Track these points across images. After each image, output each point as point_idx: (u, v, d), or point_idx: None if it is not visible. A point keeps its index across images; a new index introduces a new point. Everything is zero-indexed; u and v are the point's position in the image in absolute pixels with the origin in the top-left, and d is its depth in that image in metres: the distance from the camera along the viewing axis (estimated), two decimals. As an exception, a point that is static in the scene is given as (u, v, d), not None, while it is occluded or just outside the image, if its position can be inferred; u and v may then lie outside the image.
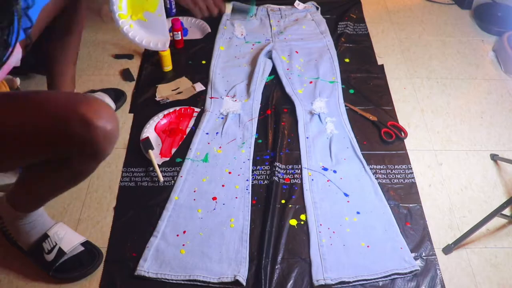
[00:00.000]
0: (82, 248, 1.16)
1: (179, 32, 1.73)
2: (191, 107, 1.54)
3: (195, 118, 1.51)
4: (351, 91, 1.66)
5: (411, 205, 1.33)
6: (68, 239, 1.14)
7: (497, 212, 1.19)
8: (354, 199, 1.33)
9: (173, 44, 1.75)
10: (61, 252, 1.13)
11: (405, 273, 1.17)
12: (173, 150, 1.42)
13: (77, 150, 0.86)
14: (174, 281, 1.15)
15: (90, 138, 0.83)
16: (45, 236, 1.12)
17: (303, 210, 1.30)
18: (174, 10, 1.91)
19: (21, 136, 0.85)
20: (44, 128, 0.83)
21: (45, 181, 1.00)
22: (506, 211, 1.23)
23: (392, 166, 1.42)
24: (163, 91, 1.60)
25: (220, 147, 1.44)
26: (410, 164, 1.43)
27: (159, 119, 1.47)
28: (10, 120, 0.84)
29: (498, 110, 1.63)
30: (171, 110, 1.51)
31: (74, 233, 1.18)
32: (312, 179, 1.37)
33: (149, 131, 1.44)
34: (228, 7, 1.22)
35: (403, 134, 1.51)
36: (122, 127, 1.50)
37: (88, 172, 0.99)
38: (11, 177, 1.22)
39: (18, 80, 1.41)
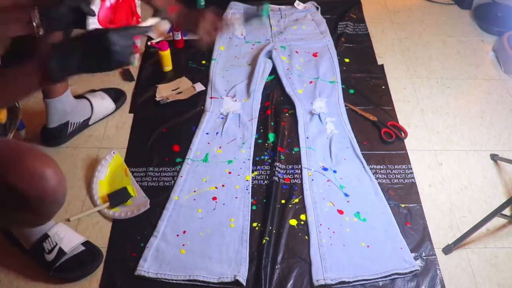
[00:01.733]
0: (83, 248, 1.16)
1: (179, 32, 1.73)
2: None
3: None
4: (351, 91, 1.66)
5: (411, 205, 1.33)
6: (68, 239, 1.15)
7: (497, 212, 1.19)
8: (354, 199, 1.33)
9: (173, 44, 1.75)
10: (61, 252, 1.13)
11: (405, 273, 1.17)
12: None
13: (18, 216, 0.81)
14: (174, 281, 1.15)
15: (24, 207, 0.77)
16: (46, 236, 1.12)
17: (303, 210, 1.30)
18: None
19: None
20: None
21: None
22: (506, 211, 1.23)
23: (392, 166, 1.42)
24: (163, 91, 1.60)
25: (220, 147, 1.44)
26: (410, 164, 1.43)
27: (98, 8, 1.22)
28: None
29: (498, 110, 1.64)
30: None
31: (74, 233, 1.18)
32: (312, 179, 1.37)
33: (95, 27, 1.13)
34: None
35: (403, 134, 1.51)
36: (122, 127, 1.50)
37: (41, 223, 0.94)
38: None
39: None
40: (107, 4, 1.23)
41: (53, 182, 0.78)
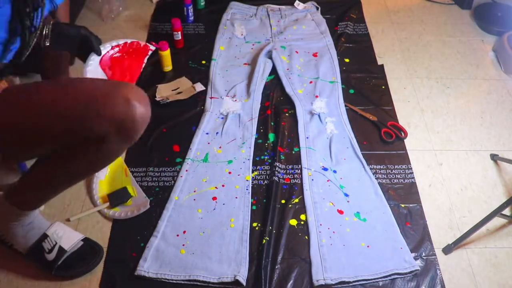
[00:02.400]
0: (82, 243, 1.17)
1: (179, 32, 1.73)
2: (146, 43, 1.37)
3: (148, 56, 1.36)
4: (351, 91, 1.66)
5: (411, 205, 1.33)
6: (67, 237, 1.15)
7: (497, 212, 1.19)
8: (354, 199, 1.32)
9: (173, 44, 1.74)
10: (62, 250, 1.13)
11: (405, 273, 1.17)
12: None
13: (115, 127, 0.89)
14: (174, 281, 1.15)
15: (131, 116, 0.89)
16: (45, 236, 1.12)
17: (303, 210, 1.30)
18: (191, 18, 1.90)
19: (68, 117, 0.88)
20: (89, 106, 0.87)
21: (66, 166, 1.00)
22: (506, 211, 1.23)
23: (392, 166, 1.42)
24: (163, 91, 1.60)
25: (220, 147, 1.44)
26: (410, 164, 1.43)
27: (106, 51, 1.26)
28: (61, 102, 0.89)
29: (498, 110, 1.64)
30: (121, 42, 1.32)
31: (73, 231, 1.18)
32: (312, 179, 1.37)
33: (94, 65, 1.21)
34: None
35: (403, 134, 1.51)
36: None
37: (115, 155, 1.02)
38: (12, 177, 1.22)
39: (17, 79, 1.41)
40: (112, 52, 1.29)
41: (149, 107, 0.93)
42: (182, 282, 1.15)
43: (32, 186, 1.05)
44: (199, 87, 1.63)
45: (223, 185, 1.34)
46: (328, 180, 1.37)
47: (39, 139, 0.91)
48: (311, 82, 1.66)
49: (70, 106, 0.89)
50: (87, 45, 1.16)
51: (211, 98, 1.59)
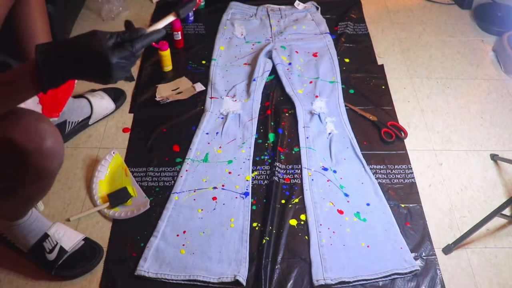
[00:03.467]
0: (83, 243, 1.17)
1: (179, 32, 1.73)
2: None
3: None
4: (351, 91, 1.66)
5: (411, 205, 1.33)
6: (68, 237, 1.15)
7: (497, 212, 1.19)
8: (354, 199, 1.33)
9: (173, 44, 1.75)
10: (62, 250, 1.13)
11: (405, 273, 1.17)
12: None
13: (17, 177, 0.82)
14: (174, 281, 1.15)
15: (25, 163, 0.78)
16: (45, 236, 1.12)
17: (303, 210, 1.30)
18: (191, 18, 1.90)
19: None
20: None
21: (6, 202, 0.98)
22: (506, 211, 1.23)
23: (392, 166, 1.42)
24: (163, 91, 1.60)
25: (220, 147, 1.44)
26: (410, 164, 1.43)
27: None
28: None
29: (498, 110, 1.64)
30: None
31: (73, 231, 1.18)
32: (312, 179, 1.37)
33: None
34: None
35: (403, 134, 1.51)
36: (122, 127, 1.50)
37: (45, 189, 0.95)
38: None
39: None
40: None
41: (49, 136, 0.80)
42: (182, 282, 1.15)
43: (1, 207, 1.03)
44: (199, 87, 1.63)
45: (223, 185, 1.34)
46: (328, 180, 1.37)
47: None
48: (311, 82, 1.66)
49: None
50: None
51: (211, 98, 1.59)
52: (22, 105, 0.80)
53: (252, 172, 1.38)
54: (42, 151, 0.79)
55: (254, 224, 1.26)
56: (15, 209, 1.06)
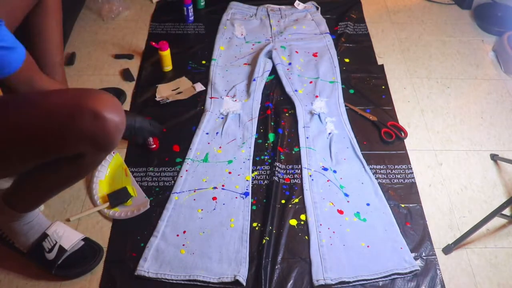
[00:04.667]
0: (83, 243, 1.17)
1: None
2: None
3: None
4: (351, 91, 1.66)
5: (411, 205, 1.33)
6: (67, 236, 1.15)
7: (497, 212, 1.19)
8: (354, 199, 1.33)
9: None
10: (62, 249, 1.13)
11: (405, 273, 1.17)
12: None
13: (89, 143, 0.88)
14: (174, 281, 1.15)
15: (101, 130, 0.86)
16: (45, 236, 1.12)
17: (303, 210, 1.30)
18: (191, 18, 1.90)
19: (35, 137, 0.86)
20: (56, 126, 0.85)
21: (51, 177, 1.00)
22: (506, 211, 1.23)
23: (392, 166, 1.42)
24: (163, 91, 1.60)
25: (220, 147, 1.44)
26: (410, 164, 1.43)
27: None
28: (24, 122, 0.86)
29: (498, 110, 1.64)
30: None
31: (73, 231, 1.18)
32: (312, 179, 1.37)
33: None
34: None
35: (403, 134, 1.51)
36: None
37: (96, 165, 1.02)
38: (8, 181, 1.22)
39: None
40: None
41: (121, 110, 0.89)
42: (182, 282, 1.15)
43: (23, 194, 1.06)
44: (199, 87, 1.63)
45: (223, 185, 1.34)
46: (328, 180, 1.37)
47: (8, 160, 0.90)
48: (311, 82, 1.66)
49: (36, 128, 0.85)
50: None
51: (211, 98, 1.59)
52: None
53: (252, 172, 1.38)
54: (115, 121, 0.87)
55: (254, 224, 1.26)
56: (47, 190, 1.06)
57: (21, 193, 1.06)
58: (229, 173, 1.38)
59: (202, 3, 1.98)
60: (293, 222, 1.27)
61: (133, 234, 1.23)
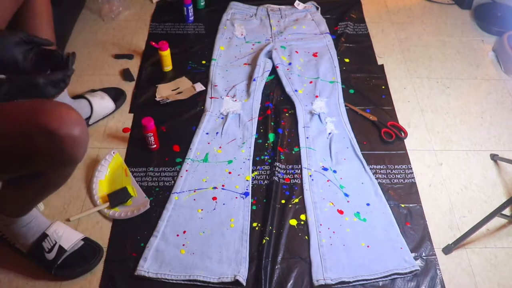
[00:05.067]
0: (82, 243, 1.17)
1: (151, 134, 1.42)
2: None
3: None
4: (351, 91, 1.66)
5: (411, 205, 1.33)
6: (67, 236, 1.15)
7: (497, 212, 1.19)
8: (354, 199, 1.33)
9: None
10: (61, 249, 1.13)
11: (405, 273, 1.17)
12: None
13: (47, 162, 0.84)
14: (174, 281, 1.15)
15: (57, 148, 0.81)
16: (44, 236, 1.12)
17: (303, 210, 1.30)
18: (191, 18, 1.90)
19: None
20: (8, 146, 0.81)
21: (24, 191, 1.00)
22: (506, 211, 1.23)
23: (392, 166, 1.42)
24: (163, 91, 1.60)
25: (220, 147, 1.44)
26: (410, 164, 1.43)
27: None
28: None
29: (498, 110, 1.64)
30: None
31: (73, 231, 1.18)
32: (312, 179, 1.37)
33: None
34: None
35: (403, 134, 1.51)
36: (122, 127, 1.50)
37: (66, 177, 0.98)
38: None
39: None
40: None
41: (79, 123, 0.84)
42: (182, 282, 1.15)
43: (6, 200, 1.05)
44: (199, 87, 1.63)
45: (223, 185, 1.34)
46: (328, 180, 1.37)
47: None
48: (311, 82, 1.66)
49: None
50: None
51: (211, 98, 1.59)
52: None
53: (252, 172, 1.38)
54: (73, 137, 0.82)
55: (254, 224, 1.26)
56: (27, 201, 1.06)
57: (6, 202, 1.05)
58: (229, 173, 1.38)
59: (202, 3, 1.98)
60: (293, 222, 1.27)
61: (133, 234, 1.23)
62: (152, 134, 1.39)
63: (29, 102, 0.86)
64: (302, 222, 1.27)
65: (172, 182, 1.35)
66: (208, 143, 1.46)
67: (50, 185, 1.01)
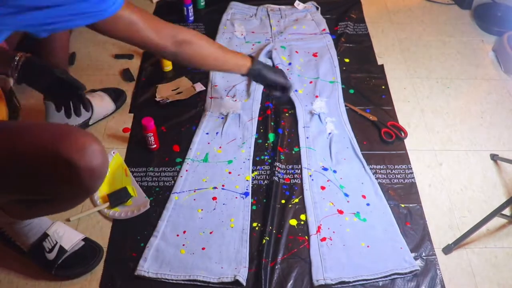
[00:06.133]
0: (83, 244, 1.17)
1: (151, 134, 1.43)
2: None
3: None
4: (351, 91, 1.66)
5: (411, 205, 1.33)
6: (68, 236, 1.15)
7: (497, 212, 1.19)
8: (354, 199, 1.32)
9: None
10: (62, 249, 1.13)
11: (405, 273, 1.17)
12: None
13: (63, 191, 0.84)
14: (174, 281, 1.15)
15: (74, 179, 0.80)
16: (45, 236, 1.12)
17: (303, 210, 1.30)
18: (191, 18, 1.90)
19: (5, 176, 0.82)
20: (25, 166, 0.80)
21: (31, 210, 1.00)
22: (506, 211, 1.23)
23: (392, 166, 1.42)
24: (163, 91, 1.60)
25: (220, 147, 1.44)
26: (410, 164, 1.43)
27: None
28: None
29: (498, 110, 1.64)
30: None
31: (73, 231, 1.18)
32: (312, 179, 1.37)
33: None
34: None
35: (403, 134, 1.51)
36: (122, 127, 1.50)
37: (76, 204, 0.99)
38: None
39: (11, 81, 1.40)
40: None
41: (100, 155, 0.82)
42: (182, 282, 1.15)
43: (12, 209, 1.05)
44: (199, 87, 1.63)
45: (223, 185, 1.34)
46: (328, 180, 1.37)
47: None
48: (311, 82, 1.66)
49: (8, 169, 0.80)
50: (65, 91, 1.13)
51: (211, 98, 1.59)
52: None
53: (252, 172, 1.38)
54: (92, 169, 0.80)
55: (254, 224, 1.26)
56: (33, 215, 1.07)
57: (10, 207, 1.05)
58: (229, 173, 1.38)
59: (202, 3, 1.98)
60: (293, 222, 1.27)
61: (133, 234, 1.23)
62: (152, 134, 1.39)
63: (55, 126, 0.85)
64: (302, 222, 1.27)
65: (172, 182, 1.35)
66: (208, 143, 1.46)
67: (58, 210, 1.02)
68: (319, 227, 1.26)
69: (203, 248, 1.20)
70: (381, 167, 1.42)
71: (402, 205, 1.32)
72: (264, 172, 1.39)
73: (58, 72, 1.11)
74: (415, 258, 1.20)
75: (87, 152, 0.79)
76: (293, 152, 1.44)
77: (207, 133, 1.48)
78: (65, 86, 1.13)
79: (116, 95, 1.56)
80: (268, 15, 1.94)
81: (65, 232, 1.15)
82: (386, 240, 1.24)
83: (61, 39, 1.23)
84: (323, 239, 1.23)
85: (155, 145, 1.42)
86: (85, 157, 0.79)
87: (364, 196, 1.33)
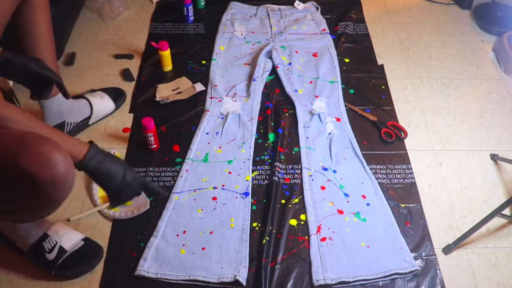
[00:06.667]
0: (83, 243, 1.17)
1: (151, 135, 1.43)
2: None
3: None
4: (351, 91, 1.66)
5: (411, 205, 1.33)
6: (68, 236, 1.15)
7: (497, 212, 1.19)
8: (354, 199, 1.33)
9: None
10: (62, 249, 1.13)
11: (405, 273, 1.17)
12: None
13: (28, 203, 0.82)
14: (174, 281, 1.15)
15: (38, 191, 0.77)
16: (45, 236, 1.12)
17: (303, 210, 1.30)
18: (191, 18, 1.90)
19: None
20: None
21: (7, 218, 1.00)
22: (506, 211, 1.23)
23: (392, 166, 1.42)
24: (163, 91, 1.60)
25: (220, 147, 1.44)
26: (410, 164, 1.43)
27: None
28: None
29: (498, 110, 1.64)
30: None
31: (73, 231, 1.18)
32: (312, 179, 1.37)
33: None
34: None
35: (403, 134, 1.51)
36: (122, 127, 1.50)
37: (46, 215, 0.97)
38: None
39: (10, 82, 1.40)
40: None
41: (63, 165, 0.78)
42: (182, 282, 1.15)
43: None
44: (199, 87, 1.63)
45: (223, 185, 1.34)
46: (328, 180, 1.37)
47: None
48: (311, 82, 1.66)
49: None
50: (43, 82, 1.10)
51: (211, 98, 1.59)
52: None
53: (252, 172, 1.38)
54: (53, 182, 0.77)
55: (254, 224, 1.26)
56: (16, 221, 1.07)
57: None
58: (229, 173, 1.38)
59: (202, 3, 1.98)
60: (293, 222, 1.27)
61: (133, 234, 1.23)
62: (152, 134, 1.39)
63: (13, 135, 0.79)
64: (302, 222, 1.27)
65: (172, 182, 1.35)
66: (208, 143, 1.46)
67: (25, 220, 1.01)
68: (319, 227, 1.26)
69: (203, 248, 1.20)
70: (381, 167, 1.42)
71: (402, 205, 1.32)
72: (264, 172, 1.39)
73: (33, 63, 1.07)
74: (415, 258, 1.20)
75: (48, 163, 0.75)
76: (293, 152, 1.44)
77: (207, 133, 1.48)
78: (39, 77, 1.08)
79: (116, 95, 1.56)
80: (268, 15, 1.94)
81: (65, 232, 1.15)
82: (386, 240, 1.24)
83: (42, 10, 1.17)
84: (323, 239, 1.23)
85: (155, 145, 1.42)
86: (45, 169, 0.74)
87: (364, 196, 1.33)
